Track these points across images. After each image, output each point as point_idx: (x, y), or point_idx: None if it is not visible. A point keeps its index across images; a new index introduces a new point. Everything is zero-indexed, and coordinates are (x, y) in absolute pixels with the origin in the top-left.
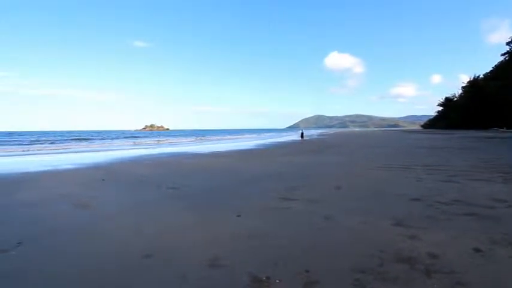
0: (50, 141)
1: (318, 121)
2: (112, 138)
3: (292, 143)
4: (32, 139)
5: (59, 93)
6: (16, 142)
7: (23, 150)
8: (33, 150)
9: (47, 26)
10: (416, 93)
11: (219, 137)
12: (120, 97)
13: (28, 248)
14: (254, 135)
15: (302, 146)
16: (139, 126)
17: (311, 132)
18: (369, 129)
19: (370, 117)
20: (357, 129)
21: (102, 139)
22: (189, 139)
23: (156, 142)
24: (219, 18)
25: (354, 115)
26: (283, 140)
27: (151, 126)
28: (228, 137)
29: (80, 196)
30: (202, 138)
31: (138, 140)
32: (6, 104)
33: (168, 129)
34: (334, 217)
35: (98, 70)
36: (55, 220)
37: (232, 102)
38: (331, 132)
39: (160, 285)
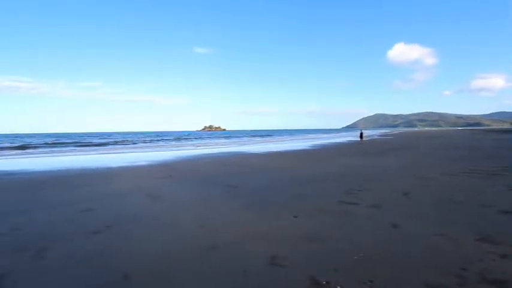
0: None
1: (379, 120)
2: (177, 139)
3: (350, 144)
4: (117, 140)
5: (139, 99)
6: (110, 142)
7: (109, 149)
8: (117, 149)
9: (120, 39)
10: (507, 86)
11: (274, 137)
12: (183, 101)
13: (114, 231)
14: (309, 136)
15: (361, 147)
16: (199, 127)
17: (371, 133)
18: (441, 128)
19: (442, 115)
20: (426, 128)
21: (165, 140)
22: (244, 139)
23: (214, 144)
24: (274, 22)
25: (422, 113)
26: (340, 141)
27: (210, 127)
28: (283, 137)
29: (152, 189)
30: (258, 138)
31: (198, 141)
32: (97, 109)
33: (224, 129)
34: (403, 226)
35: (165, 77)
36: (134, 208)
37: (287, 103)
38: (395, 132)
39: (223, 276)
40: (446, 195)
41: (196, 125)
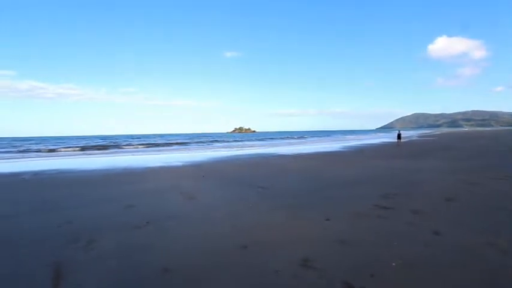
0: (179, 143)
1: (418, 120)
2: (211, 142)
3: (386, 146)
4: (160, 141)
5: (171, 104)
6: (152, 142)
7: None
8: (155, 150)
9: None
10: None
11: (304, 139)
12: (213, 104)
13: (153, 227)
14: (340, 137)
15: (399, 149)
16: (230, 129)
17: (409, 133)
18: (492, 128)
19: (493, 114)
20: (474, 128)
21: (201, 142)
22: (274, 141)
23: (244, 145)
24: (303, 23)
25: (469, 111)
26: (374, 142)
27: (240, 129)
28: (314, 138)
29: (186, 188)
30: (289, 140)
31: (228, 143)
32: (133, 113)
33: (254, 131)
34: (445, 233)
35: (197, 82)
36: (170, 206)
37: (316, 104)
38: (437, 132)
39: (255, 275)
40: (494, 202)
41: (226, 127)
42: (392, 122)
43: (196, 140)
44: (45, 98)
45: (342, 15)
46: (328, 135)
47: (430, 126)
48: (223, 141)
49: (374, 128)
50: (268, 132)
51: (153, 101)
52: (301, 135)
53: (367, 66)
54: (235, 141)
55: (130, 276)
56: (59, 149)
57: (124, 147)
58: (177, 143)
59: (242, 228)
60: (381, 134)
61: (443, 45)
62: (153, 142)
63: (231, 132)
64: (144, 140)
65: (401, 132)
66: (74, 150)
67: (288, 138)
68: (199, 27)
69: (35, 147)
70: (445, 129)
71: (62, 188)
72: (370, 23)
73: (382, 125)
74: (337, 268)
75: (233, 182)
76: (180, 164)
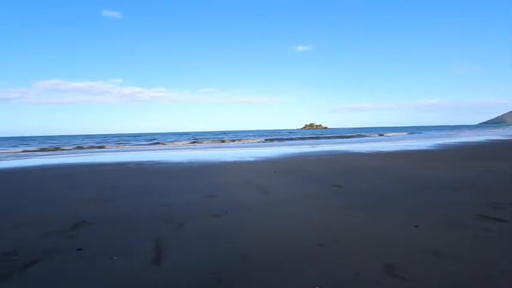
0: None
1: None
2: (281, 138)
3: (495, 144)
4: (233, 137)
5: (244, 101)
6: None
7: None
8: (228, 146)
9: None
10: None
11: (383, 135)
12: (284, 100)
13: (232, 216)
14: (429, 133)
15: None
16: (300, 125)
17: None
18: None
19: None
20: None
21: (271, 139)
22: (348, 137)
23: (315, 142)
24: (378, 14)
25: None
26: (476, 140)
27: (311, 125)
28: (394, 134)
29: (260, 183)
30: (364, 136)
31: (299, 141)
32: (215, 111)
33: (326, 127)
34: None
35: (268, 78)
36: (246, 199)
37: (394, 97)
38: None
39: (334, 275)
40: None
41: (297, 123)
42: (502, 116)
43: (267, 137)
44: (143, 100)
45: None
46: (412, 132)
47: None
48: (294, 138)
49: (476, 123)
50: (340, 128)
51: (229, 99)
52: (379, 131)
53: (459, 50)
54: (305, 137)
55: (215, 257)
56: (147, 144)
57: (203, 142)
58: (249, 140)
59: (317, 225)
60: (487, 131)
61: None
62: (226, 138)
63: (301, 128)
64: (219, 136)
65: None
66: (163, 145)
67: (362, 134)
68: (270, 22)
69: (134, 141)
70: None
71: (156, 177)
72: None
73: (488, 119)
74: (430, 282)
75: (305, 178)
76: (252, 159)
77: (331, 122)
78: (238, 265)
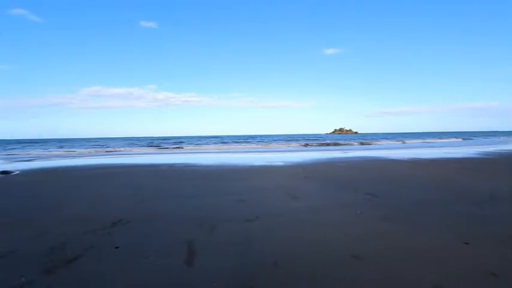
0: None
1: None
2: (309, 143)
3: None
4: (260, 142)
5: (271, 105)
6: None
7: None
8: (256, 149)
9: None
10: None
11: (419, 141)
12: (312, 104)
13: (262, 221)
14: (479, 139)
15: None
16: (329, 130)
17: None
18: None
19: None
20: None
21: (299, 143)
22: (381, 143)
23: (346, 147)
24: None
25: None
26: None
27: (340, 130)
28: (434, 140)
29: (290, 188)
30: (399, 142)
31: (329, 145)
32: (242, 115)
33: (356, 132)
34: None
35: (295, 81)
36: (276, 204)
37: (431, 101)
38: None
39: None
40: None
41: (325, 128)
42: None
43: (295, 141)
44: (175, 105)
45: None
46: (467, 138)
47: None
48: (323, 143)
49: None
50: (372, 133)
51: (256, 103)
52: (419, 137)
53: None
54: (335, 143)
55: (246, 263)
56: (184, 146)
57: (231, 146)
58: (278, 145)
59: (352, 235)
60: None
61: None
62: (254, 142)
63: (330, 133)
64: (247, 141)
65: None
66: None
67: (397, 140)
68: (296, 24)
69: (166, 145)
70: None
71: (187, 179)
72: None
73: None
74: None
75: (337, 185)
76: (281, 163)
77: (362, 127)
78: (269, 272)
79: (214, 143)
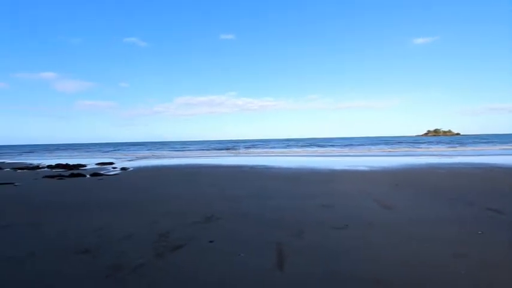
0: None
1: None
2: (397, 146)
3: None
4: (338, 144)
5: (350, 106)
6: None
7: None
8: (342, 152)
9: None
10: None
11: None
12: (397, 103)
13: (353, 231)
14: None
15: None
16: (421, 131)
17: None
18: None
19: None
20: None
21: (387, 147)
22: (492, 146)
23: (442, 149)
24: None
25: None
26: None
27: (436, 131)
28: None
29: (379, 196)
30: None
31: (420, 149)
32: (320, 118)
33: (458, 134)
34: None
35: (378, 77)
36: (366, 213)
37: None
38: None
39: None
40: None
41: (416, 129)
42: None
43: (380, 145)
44: (253, 109)
45: None
46: None
47: None
48: (413, 146)
49: None
50: (479, 134)
51: (333, 104)
52: None
53: None
54: (428, 146)
55: (339, 274)
56: (267, 151)
57: (308, 150)
58: (358, 150)
59: (473, 261)
60: None
61: None
62: (332, 145)
63: (422, 135)
64: (326, 143)
65: None
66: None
67: None
68: (382, 11)
69: (242, 148)
70: None
71: (269, 180)
72: None
73: None
74: None
75: (440, 196)
76: (366, 168)
77: (465, 127)
78: None
79: (291, 146)
